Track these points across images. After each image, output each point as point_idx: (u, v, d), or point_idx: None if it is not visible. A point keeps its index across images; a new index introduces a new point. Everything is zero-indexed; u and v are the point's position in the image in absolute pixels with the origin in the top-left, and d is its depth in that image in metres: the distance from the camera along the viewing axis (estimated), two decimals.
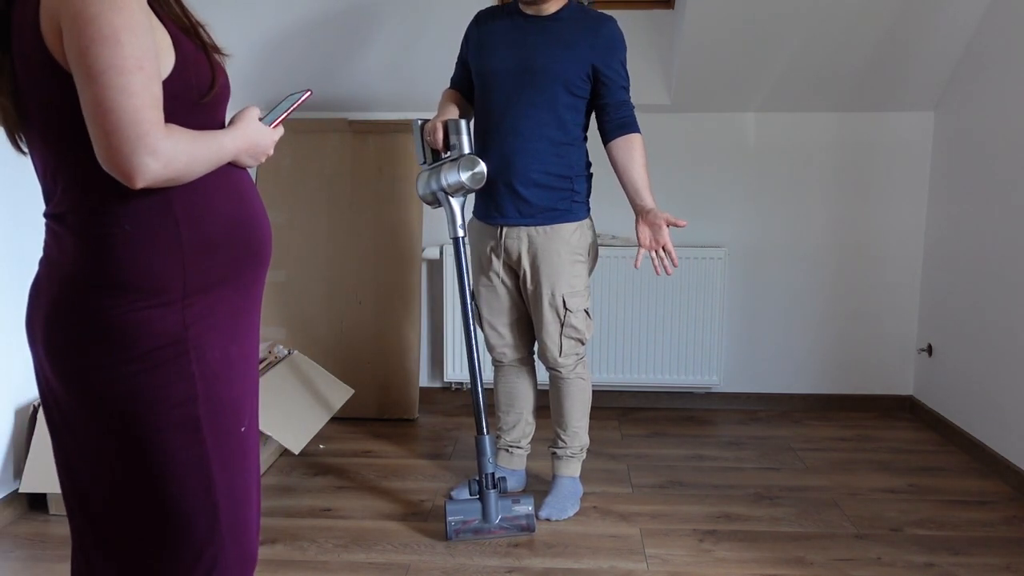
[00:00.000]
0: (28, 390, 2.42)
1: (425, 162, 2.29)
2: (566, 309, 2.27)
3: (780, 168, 3.26)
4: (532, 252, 2.27)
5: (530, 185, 2.23)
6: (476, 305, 2.42)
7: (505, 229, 2.28)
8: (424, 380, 3.43)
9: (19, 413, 2.39)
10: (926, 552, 2.16)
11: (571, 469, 2.45)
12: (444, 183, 2.17)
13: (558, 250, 2.25)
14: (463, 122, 2.19)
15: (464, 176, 2.13)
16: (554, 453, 2.46)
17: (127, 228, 1.08)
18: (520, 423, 2.50)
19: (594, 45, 2.19)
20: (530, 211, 2.25)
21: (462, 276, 2.24)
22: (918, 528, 2.30)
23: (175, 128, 1.05)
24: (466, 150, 2.18)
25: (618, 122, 2.24)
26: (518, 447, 2.52)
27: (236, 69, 3.04)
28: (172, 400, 1.11)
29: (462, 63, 2.39)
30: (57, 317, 1.11)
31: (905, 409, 3.34)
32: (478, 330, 2.38)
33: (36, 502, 2.40)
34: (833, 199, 3.26)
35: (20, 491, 2.32)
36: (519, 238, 2.27)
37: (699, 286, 3.21)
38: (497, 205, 2.28)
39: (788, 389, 3.38)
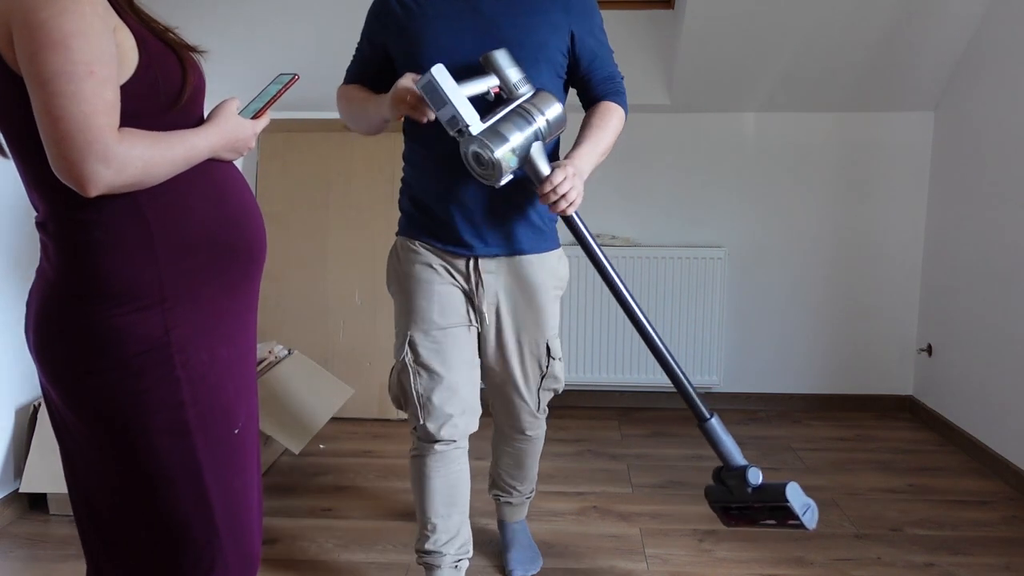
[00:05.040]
0: (28, 390, 2.42)
1: (469, 124, 1.48)
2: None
3: (780, 168, 3.26)
4: (506, 289, 1.76)
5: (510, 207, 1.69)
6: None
7: (477, 268, 1.72)
8: None
9: (19, 413, 2.39)
10: (926, 552, 2.16)
11: (525, 511, 2.16)
12: (547, 118, 1.55)
13: (544, 283, 1.77)
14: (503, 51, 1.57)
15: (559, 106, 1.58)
16: (508, 503, 2.09)
17: (98, 235, 1.06)
18: (464, 525, 1.82)
19: (567, 8, 1.66)
20: (503, 238, 1.71)
21: (591, 247, 1.63)
22: (918, 528, 2.30)
23: (130, 132, 1.02)
24: (526, 83, 1.58)
25: (603, 93, 1.73)
26: (468, 556, 1.84)
27: (235, 68, 3.04)
28: (159, 405, 1.11)
29: (373, 50, 1.75)
30: (44, 326, 1.10)
31: (905, 409, 3.34)
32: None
33: (36, 502, 2.40)
34: (833, 199, 3.26)
35: (20, 491, 2.32)
36: (495, 271, 1.73)
37: (699, 286, 3.21)
38: (454, 234, 1.70)
39: (788, 389, 3.38)
